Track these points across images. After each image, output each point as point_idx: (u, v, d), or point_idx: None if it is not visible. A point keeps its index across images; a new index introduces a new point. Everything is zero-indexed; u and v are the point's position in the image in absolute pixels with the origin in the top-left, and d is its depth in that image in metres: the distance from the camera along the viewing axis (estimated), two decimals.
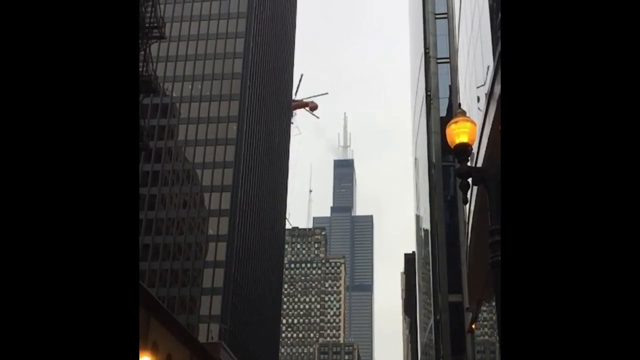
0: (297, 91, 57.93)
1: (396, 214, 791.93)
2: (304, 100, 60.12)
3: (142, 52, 56.43)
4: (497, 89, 14.64)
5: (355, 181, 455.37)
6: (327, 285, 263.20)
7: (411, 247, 69.55)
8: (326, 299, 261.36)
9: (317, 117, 63.17)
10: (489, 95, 16.01)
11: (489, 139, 15.80)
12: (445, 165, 38.80)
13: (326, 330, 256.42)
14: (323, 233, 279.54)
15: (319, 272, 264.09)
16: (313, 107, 59.37)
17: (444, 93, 40.67)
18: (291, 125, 59.98)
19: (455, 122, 8.98)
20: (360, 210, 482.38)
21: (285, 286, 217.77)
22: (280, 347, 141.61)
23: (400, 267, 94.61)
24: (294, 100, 55.71)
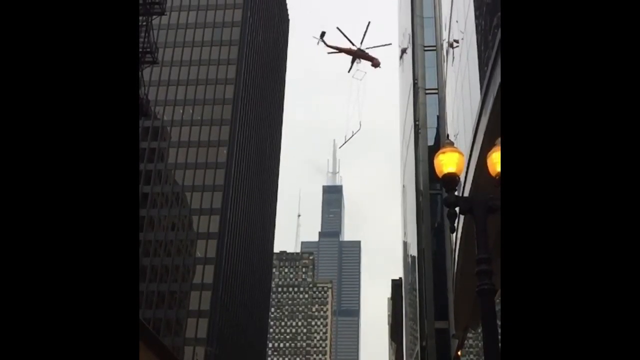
0: (362, 40, 57.40)
1: (382, 219, 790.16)
2: (371, 54, 58.22)
3: None
4: (484, 119, 15.05)
5: (344, 206, 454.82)
6: (314, 309, 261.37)
7: (398, 255, 69.19)
8: (313, 323, 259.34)
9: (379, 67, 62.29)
10: (476, 125, 16.40)
11: (476, 167, 16.12)
12: (433, 194, 39.07)
13: (312, 355, 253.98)
14: (311, 257, 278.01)
15: (306, 296, 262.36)
16: (376, 64, 57.92)
17: (432, 123, 41.22)
18: (356, 70, 58.92)
19: (443, 153, 9.06)
20: (347, 211, 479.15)
21: (272, 310, 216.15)
22: None
23: (388, 283, 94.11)
24: (360, 49, 55.33)
